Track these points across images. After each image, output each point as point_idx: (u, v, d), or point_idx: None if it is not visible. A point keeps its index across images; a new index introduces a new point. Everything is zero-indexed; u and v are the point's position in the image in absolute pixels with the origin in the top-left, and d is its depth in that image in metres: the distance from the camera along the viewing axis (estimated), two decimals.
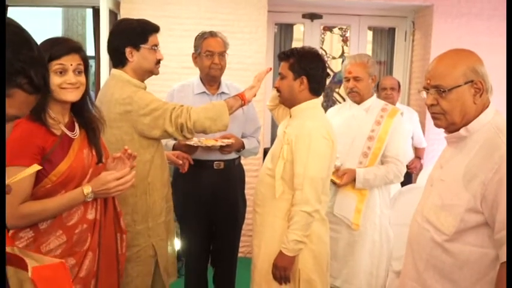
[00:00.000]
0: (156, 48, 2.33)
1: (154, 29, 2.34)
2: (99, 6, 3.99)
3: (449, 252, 1.57)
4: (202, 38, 2.85)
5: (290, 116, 2.42)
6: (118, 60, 2.32)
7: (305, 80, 2.31)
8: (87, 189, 1.82)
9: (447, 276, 1.59)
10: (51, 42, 1.82)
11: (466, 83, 1.59)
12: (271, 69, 2.59)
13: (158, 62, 2.36)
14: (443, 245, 1.59)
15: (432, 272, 1.63)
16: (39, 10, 8.04)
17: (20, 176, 1.36)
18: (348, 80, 2.84)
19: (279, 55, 2.41)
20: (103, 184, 1.84)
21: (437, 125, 1.71)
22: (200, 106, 2.34)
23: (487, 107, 1.63)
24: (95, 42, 4.54)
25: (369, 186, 2.73)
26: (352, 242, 2.76)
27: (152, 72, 2.36)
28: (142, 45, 2.29)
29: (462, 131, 1.63)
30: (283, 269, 2.24)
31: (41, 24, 9.40)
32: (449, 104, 1.62)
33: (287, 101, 2.40)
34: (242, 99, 2.43)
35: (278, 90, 2.41)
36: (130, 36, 2.29)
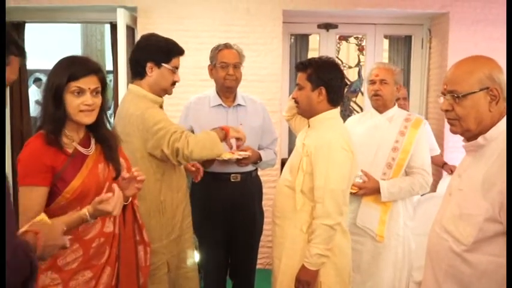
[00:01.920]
0: (176, 70, 2.38)
1: (180, 52, 2.40)
2: (116, 22, 4.06)
3: (468, 262, 1.55)
4: (217, 50, 2.88)
5: (308, 126, 2.41)
6: (137, 72, 2.37)
7: (323, 91, 2.29)
8: (83, 212, 1.74)
9: (466, 286, 1.57)
10: (70, 62, 1.85)
11: (481, 90, 1.58)
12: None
13: (174, 83, 2.41)
14: (462, 255, 1.56)
15: (451, 283, 1.61)
16: (59, 26, 8.19)
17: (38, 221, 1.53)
18: (374, 83, 2.80)
19: (297, 65, 2.40)
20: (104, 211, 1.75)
21: (452, 131, 1.70)
22: (197, 136, 2.37)
23: (505, 114, 1.60)
24: (113, 57, 4.61)
25: (393, 199, 2.69)
26: (377, 254, 2.72)
27: (166, 91, 2.42)
28: (164, 64, 2.34)
29: (480, 140, 1.60)
30: (306, 283, 2.22)
31: (60, 40, 9.57)
32: (464, 110, 1.61)
33: (305, 111, 2.39)
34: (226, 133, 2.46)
35: (296, 101, 2.39)
36: (155, 52, 2.34)
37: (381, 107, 2.82)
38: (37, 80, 10.61)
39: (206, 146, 2.33)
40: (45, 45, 8.04)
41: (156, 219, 2.34)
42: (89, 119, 1.86)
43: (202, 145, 2.31)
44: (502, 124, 1.58)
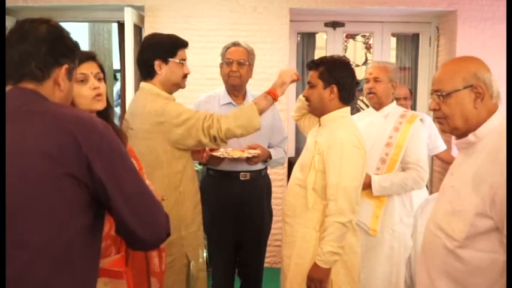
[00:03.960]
0: (183, 62, 2.38)
1: (183, 44, 2.40)
2: (124, 21, 4.07)
3: (461, 258, 1.56)
4: (226, 48, 2.91)
5: (319, 125, 2.41)
6: (147, 72, 2.37)
7: (335, 89, 2.30)
8: None
9: (460, 283, 1.58)
10: None
11: (465, 88, 1.61)
12: (300, 79, 2.53)
13: (185, 76, 2.41)
14: (455, 252, 1.57)
15: (445, 280, 1.62)
16: (66, 25, 8.20)
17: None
18: (368, 81, 2.85)
19: (308, 64, 2.40)
20: None
21: (441, 130, 1.74)
22: (230, 113, 2.34)
23: (494, 112, 1.62)
24: (121, 55, 4.63)
25: (385, 193, 2.71)
26: (370, 248, 2.74)
27: (179, 85, 2.41)
28: (171, 59, 2.34)
29: (471, 137, 1.62)
30: (319, 281, 2.22)
31: None
32: (449, 109, 1.64)
33: (316, 110, 2.39)
34: (274, 98, 2.40)
35: (307, 99, 2.39)
36: (160, 49, 2.35)
37: (376, 104, 2.87)
38: None
39: (239, 124, 2.28)
40: None
41: (175, 210, 2.32)
42: (101, 104, 1.85)
43: (235, 124, 2.27)
44: (492, 121, 1.60)
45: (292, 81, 2.48)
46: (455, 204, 1.60)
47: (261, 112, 2.34)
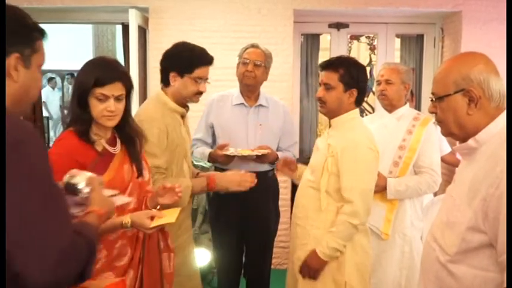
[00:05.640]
0: (200, 80, 2.32)
1: (204, 62, 2.32)
2: (128, 23, 4.08)
3: (453, 274, 1.43)
4: (244, 49, 2.95)
5: (330, 127, 2.40)
6: (164, 79, 2.37)
7: (355, 93, 2.27)
8: (126, 220, 1.82)
9: None
10: (98, 65, 1.86)
11: (456, 92, 1.47)
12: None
13: (199, 93, 2.36)
14: (446, 266, 1.45)
15: None
16: (71, 27, 8.24)
17: (160, 222, 1.82)
18: (379, 83, 2.84)
19: (324, 64, 2.34)
20: (141, 226, 1.84)
21: (442, 133, 1.62)
22: (172, 178, 2.27)
23: (497, 116, 1.46)
24: (125, 57, 4.63)
25: (400, 197, 2.70)
26: (381, 251, 2.74)
27: (191, 100, 2.38)
28: (186, 75, 2.30)
29: (471, 142, 1.48)
30: (315, 270, 2.23)
31: (72, 40, 9.64)
32: (443, 113, 1.53)
33: (332, 112, 2.34)
34: (208, 187, 2.40)
35: (322, 101, 2.33)
36: (178, 63, 2.31)
37: (388, 106, 2.85)
38: (51, 80, 10.69)
39: None
40: (57, 46, 8.10)
41: None
42: (112, 123, 1.87)
43: None
44: (495, 125, 1.45)
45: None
46: (450, 215, 1.49)
47: (192, 194, 2.35)
